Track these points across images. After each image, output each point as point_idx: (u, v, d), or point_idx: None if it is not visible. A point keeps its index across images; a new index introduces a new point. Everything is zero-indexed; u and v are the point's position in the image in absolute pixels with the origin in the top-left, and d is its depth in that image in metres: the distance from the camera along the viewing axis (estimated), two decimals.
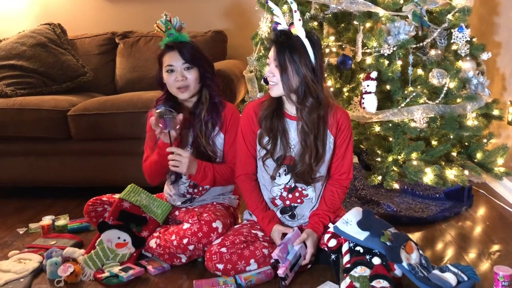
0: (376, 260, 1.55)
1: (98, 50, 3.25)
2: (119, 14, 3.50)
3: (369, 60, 2.42)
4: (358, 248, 1.59)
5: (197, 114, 1.88)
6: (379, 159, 2.45)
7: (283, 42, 1.62)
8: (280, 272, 1.60)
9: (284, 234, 1.74)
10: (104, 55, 3.25)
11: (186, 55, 1.84)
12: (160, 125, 1.74)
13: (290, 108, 1.74)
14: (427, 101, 2.42)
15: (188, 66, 1.85)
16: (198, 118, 1.88)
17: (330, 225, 1.71)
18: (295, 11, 1.64)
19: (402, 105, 2.40)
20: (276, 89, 1.68)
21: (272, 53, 1.66)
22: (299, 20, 1.62)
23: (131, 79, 3.14)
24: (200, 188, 1.98)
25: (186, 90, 1.86)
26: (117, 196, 2.00)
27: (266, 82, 2.40)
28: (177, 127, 1.77)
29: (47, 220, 2.23)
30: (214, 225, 1.80)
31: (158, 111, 1.75)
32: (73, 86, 3.05)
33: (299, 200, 1.81)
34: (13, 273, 1.78)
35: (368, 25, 2.53)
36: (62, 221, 2.25)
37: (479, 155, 2.52)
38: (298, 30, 1.62)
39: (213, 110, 1.90)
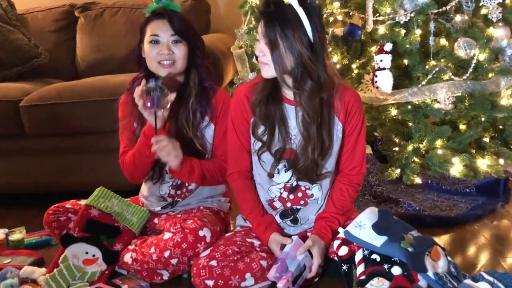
0: (396, 270, 1.56)
1: (54, 26, 3.23)
2: None
3: (382, 29, 2.42)
4: (374, 256, 1.60)
5: (184, 100, 1.87)
6: (396, 148, 2.46)
7: (272, 13, 1.60)
8: (281, 285, 1.61)
9: (284, 246, 1.73)
10: (62, 32, 3.24)
11: (177, 25, 1.83)
12: (148, 103, 1.71)
13: (289, 91, 1.73)
14: (452, 77, 2.42)
15: (177, 39, 1.84)
16: (184, 105, 1.88)
17: (340, 229, 1.72)
18: None
19: (423, 82, 2.41)
20: (267, 70, 1.67)
21: (260, 28, 1.65)
22: None
23: (95, 61, 3.13)
24: (184, 190, 1.98)
25: (170, 67, 1.85)
26: (83, 202, 1.99)
27: None
28: (167, 107, 1.76)
29: None
30: (201, 233, 1.80)
31: (147, 85, 1.73)
32: (25, 71, 3.04)
33: (302, 202, 1.81)
34: None
35: None
36: (18, 234, 2.24)
37: None
38: None
39: (203, 97, 1.90)
